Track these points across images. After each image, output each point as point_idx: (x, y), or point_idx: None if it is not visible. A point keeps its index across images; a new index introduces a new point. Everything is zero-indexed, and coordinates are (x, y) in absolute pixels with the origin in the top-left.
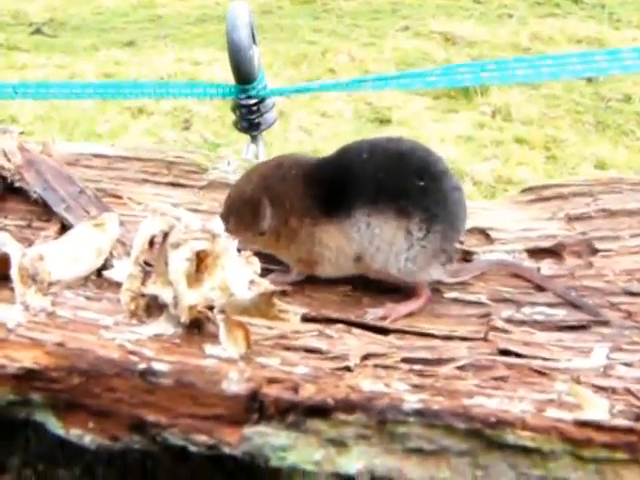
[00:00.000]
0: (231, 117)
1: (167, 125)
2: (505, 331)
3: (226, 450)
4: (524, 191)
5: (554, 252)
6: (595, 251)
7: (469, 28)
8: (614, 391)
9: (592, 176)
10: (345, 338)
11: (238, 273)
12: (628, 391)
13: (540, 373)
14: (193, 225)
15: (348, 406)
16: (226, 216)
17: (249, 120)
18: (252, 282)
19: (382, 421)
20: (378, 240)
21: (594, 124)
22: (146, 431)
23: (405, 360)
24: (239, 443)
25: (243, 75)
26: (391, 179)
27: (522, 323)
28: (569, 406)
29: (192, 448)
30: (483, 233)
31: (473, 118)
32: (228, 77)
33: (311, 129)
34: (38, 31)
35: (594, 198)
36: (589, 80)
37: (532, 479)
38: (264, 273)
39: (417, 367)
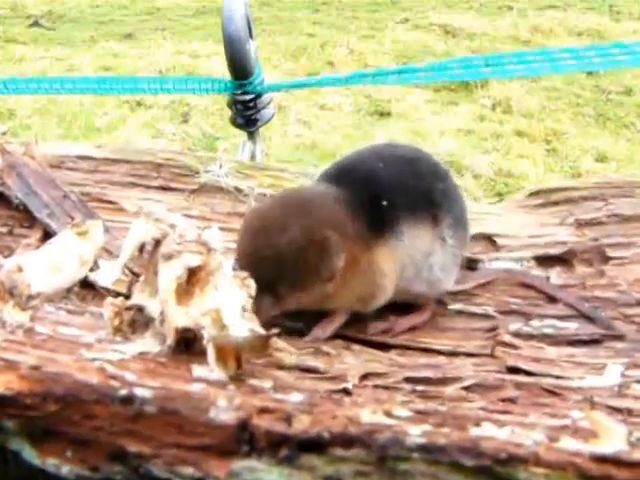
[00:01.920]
0: (228, 111)
1: (166, 118)
2: (513, 346)
3: None
4: (531, 195)
5: (564, 260)
6: (607, 259)
7: (469, 20)
8: (630, 413)
9: (603, 179)
10: (343, 355)
11: (232, 297)
12: None
13: (551, 393)
14: (188, 235)
15: (346, 440)
16: (274, 270)
17: (246, 116)
18: (245, 309)
19: (383, 457)
20: (418, 253)
21: (594, 117)
22: (128, 461)
23: (407, 380)
24: (227, 478)
25: (239, 70)
26: (416, 186)
27: (531, 337)
28: (584, 434)
29: None
30: (489, 239)
31: (473, 111)
32: (227, 70)
33: (310, 122)
34: (36, 23)
35: (606, 202)
36: (589, 73)
37: None
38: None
39: (420, 387)
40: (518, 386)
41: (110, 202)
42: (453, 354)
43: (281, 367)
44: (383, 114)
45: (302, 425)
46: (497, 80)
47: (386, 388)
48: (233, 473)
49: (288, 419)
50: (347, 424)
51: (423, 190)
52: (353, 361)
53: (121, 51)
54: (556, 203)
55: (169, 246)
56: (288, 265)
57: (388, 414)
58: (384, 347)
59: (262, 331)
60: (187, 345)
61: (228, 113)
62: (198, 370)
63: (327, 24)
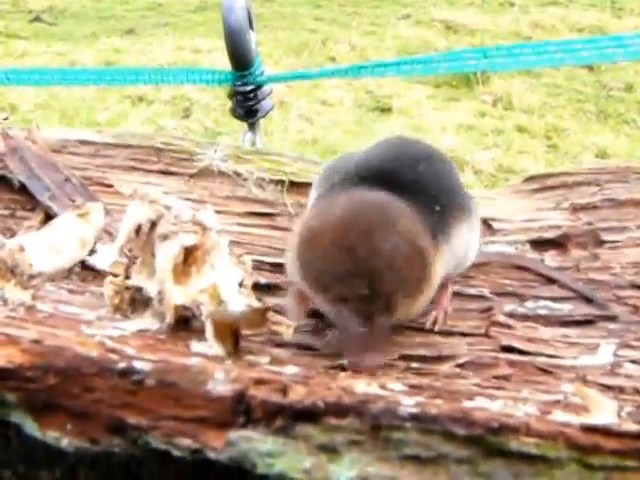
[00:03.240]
0: (231, 105)
1: (167, 113)
2: (508, 326)
3: (211, 455)
4: (527, 180)
5: (558, 243)
6: (601, 242)
7: (470, 16)
8: (622, 390)
9: (598, 164)
10: None
11: (228, 274)
12: (637, 391)
13: (545, 371)
14: (183, 216)
15: (340, 410)
16: (388, 283)
17: (246, 107)
18: (242, 285)
19: (376, 426)
20: (460, 251)
21: (595, 113)
22: (127, 434)
23: (402, 357)
24: (224, 448)
25: (240, 61)
26: (448, 185)
27: (525, 318)
28: (576, 408)
29: (175, 452)
30: (485, 223)
31: (474, 107)
32: (228, 66)
33: (311, 117)
34: (38, 19)
35: (600, 187)
36: (590, 69)
37: None
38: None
39: (415, 365)
40: (512, 364)
41: (110, 186)
42: (448, 334)
43: (279, 344)
44: (384, 110)
45: (297, 395)
46: (498, 76)
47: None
48: (229, 443)
49: (284, 390)
50: (341, 395)
51: (453, 187)
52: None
53: (123, 47)
54: (551, 188)
55: (165, 227)
56: (401, 275)
57: (382, 387)
58: None
59: (258, 305)
60: (186, 323)
61: (229, 107)
62: (196, 346)
63: (329, 20)
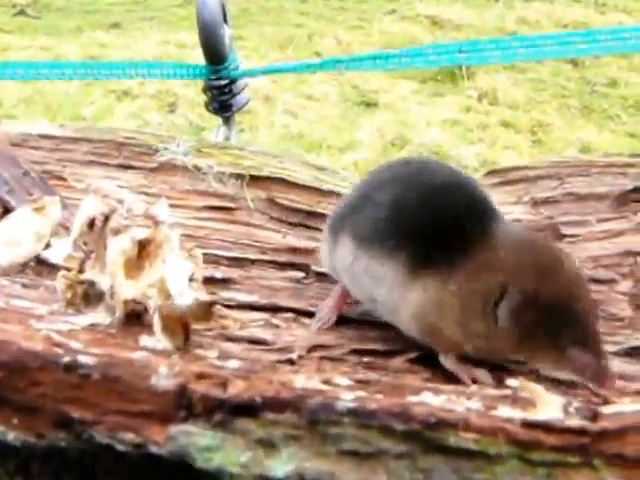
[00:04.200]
0: None
1: (152, 108)
2: None
3: (153, 449)
4: (489, 174)
5: None
6: (562, 236)
7: (456, 12)
8: (572, 385)
9: (560, 158)
10: (293, 328)
11: (178, 268)
12: (587, 386)
13: (499, 366)
14: (136, 209)
15: (278, 404)
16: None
17: (220, 101)
18: (192, 279)
19: (314, 421)
20: None
21: (580, 108)
22: (72, 428)
23: (354, 352)
24: (165, 442)
25: (214, 55)
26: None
27: None
28: (523, 404)
29: (119, 447)
30: None
31: (459, 102)
32: None
33: (297, 112)
34: (22, 12)
35: (561, 181)
36: (575, 64)
37: None
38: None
39: (366, 359)
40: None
41: (70, 180)
42: None
43: (230, 339)
44: (370, 105)
45: (236, 390)
46: (483, 71)
47: (332, 359)
48: (170, 438)
49: (224, 384)
50: (280, 389)
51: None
52: (302, 333)
53: (108, 41)
54: (513, 182)
55: (117, 221)
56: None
57: (328, 382)
58: (336, 321)
59: (205, 298)
60: (138, 318)
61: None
62: (145, 340)
63: (315, 15)
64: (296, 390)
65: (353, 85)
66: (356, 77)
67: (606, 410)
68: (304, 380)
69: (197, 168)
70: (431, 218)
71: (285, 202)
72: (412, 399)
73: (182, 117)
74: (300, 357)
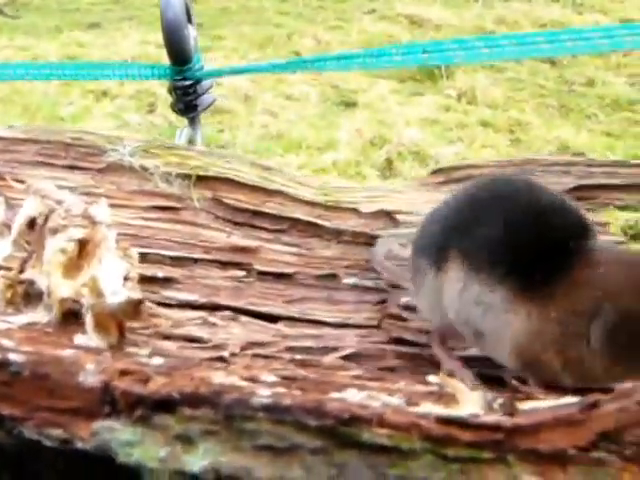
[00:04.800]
0: None
1: (131, 108)
2: (401, 318)
3: (79, 445)
4: (434, 172)
5: None
6: None
7: (435, 11)
8: (500, 382)
9: (505, 157)
10: (230, 326)
11: (114, 267)
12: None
13: (431, 362)
14: (74, 210)
15: (195, 400)
16: None
17: (185, 102)
18: (127, 278)
19: (229, 417)
20: None
21: (558, 107)
22: (3, 425)
23: (289, 349)
24: (90, 438)
25: (178, 56)
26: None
27: None
28: (447, 400)
29: (47, 442)
30: (389, 216)
31: (438, 101)
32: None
33: (276, 112)
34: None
35: None
36: (553, 64)
37: (391, 479)
38: None
39: (299, 356)
40: (400, 356)
41: (18, 181)
42: (341, 326)
43: (166, 337)
44: (349, 104)
45: (156, 386)
46: (462, 70)
47: (266, 357)
48: (94, 433)
49: (146, 381)
50: (198, 385)
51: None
52: (238, 332)
53: (87, 40)
54: (457, 180)
55: (55, 221)
56: None
57: (252, 379)
58: (274, 319)
59: (133, 296)
60: (77, 316)
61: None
62: (80, 338)
63: (294, 14)
64: (214, 386)
65: (333, 85)
66: (336, 77)
67: (523, 406)
68: (223, 376)
69: (144, 168)
70: (533, 240)
71: (231, 202)
72: (334, 395)
73: (161, 117)
74: (233, 355)
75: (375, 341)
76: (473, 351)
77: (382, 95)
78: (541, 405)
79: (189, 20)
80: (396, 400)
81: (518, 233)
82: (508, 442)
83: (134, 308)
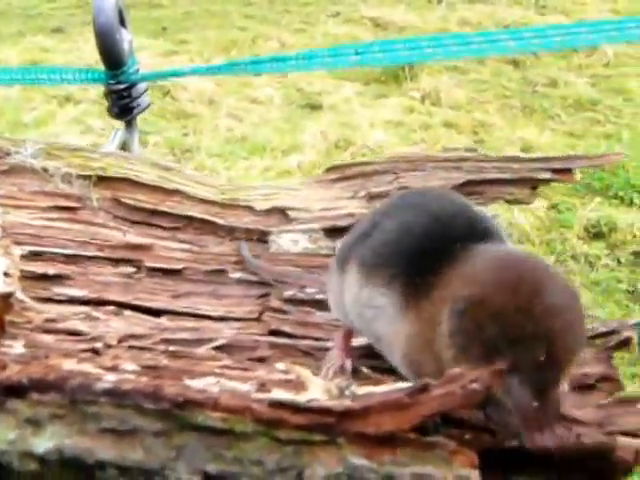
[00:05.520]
0: (159, 105)
1: (95, 113)
2: (282, 311)
3: None
4: (329, 170)
5: None
6: None
7: (399, 14)
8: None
9: (397, 154)
10: (112, 320)
11: None
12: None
13: (306, 353)
14: None
15: (43, 386)
16: (555, 353)
17: (121, 106)
18: (7, 274)
19: (74, 401)
20: None
21: (521, 108)
22: None
23: (164, 341)
24: None
25: (112, 60)
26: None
27: (302, 303)
28: (298, 387)
29: None
30: (282, 213)
31: (402, 103)
32: (160, 63)
33: (241, 115)
34: None
35: (397, 176)
36: (516, 65)
37: (227, 460)
38: None
39: (173, 348)
40: (274, 347)
41: None
42: (222, 319)
43: (47, 331)
44: (314, 107)
45: (10, 372)
46: (426, 72)
47: (141, 349)
48: None
49: (2, 368)
50: (48, 372)
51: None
52: (119, 325)
53: (50, 45)
54: (350, 178)
55: None
56: (578, 337)
57: (113, 369)
58: (157, 313)
59: (8, 290)
60: None
61: (157, 108)
62: None
63: (259, 18)
64: (61, 372)
65: (297, 88)
66: (300, 80)
67: (359, 391)
68: (73, 364)
69: (45, 170)
70: (420, 245)
71: (130, 201)
72: (190, 383)
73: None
74: (108, 346)
75: (252, 333)
76: None
77: (347, 97)
78: (377, 390)
79: (122, 24)
80: (245, 387)
81: (407, 238)
82: (339, 425)
83: (4, 302)
